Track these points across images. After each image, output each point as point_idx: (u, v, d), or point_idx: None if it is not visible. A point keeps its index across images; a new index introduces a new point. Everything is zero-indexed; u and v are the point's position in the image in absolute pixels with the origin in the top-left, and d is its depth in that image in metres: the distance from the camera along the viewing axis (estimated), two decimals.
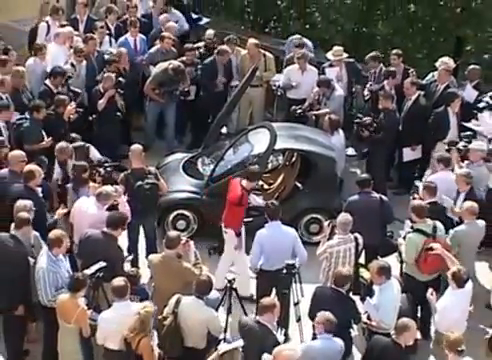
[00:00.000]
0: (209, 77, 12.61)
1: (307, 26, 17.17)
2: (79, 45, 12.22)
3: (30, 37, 13.09)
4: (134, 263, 9.47)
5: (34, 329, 8.70)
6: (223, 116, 11.74)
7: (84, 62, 12.13)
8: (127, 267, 8.71)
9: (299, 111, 12.14)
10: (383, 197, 9.69)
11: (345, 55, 12.80)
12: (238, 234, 9.46)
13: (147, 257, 9.03)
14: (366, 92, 12.53)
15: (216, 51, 12.70)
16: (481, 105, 11.36)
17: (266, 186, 11.22)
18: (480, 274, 9.87)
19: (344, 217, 8.88)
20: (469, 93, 11.81)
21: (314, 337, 7.84)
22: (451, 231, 9.14)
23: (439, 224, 8.96)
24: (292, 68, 12.72)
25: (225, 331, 8.10)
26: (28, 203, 8.52)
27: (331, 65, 12.72)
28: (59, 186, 9.76)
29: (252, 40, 12.99)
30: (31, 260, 8.28)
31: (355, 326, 8.45)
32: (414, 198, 9.57)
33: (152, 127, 12.78)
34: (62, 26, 12.78)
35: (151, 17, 13.95)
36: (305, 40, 13.47)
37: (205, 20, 15.49)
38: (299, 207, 10.65)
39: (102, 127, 11.64)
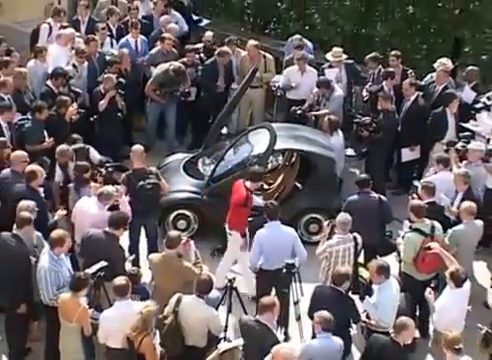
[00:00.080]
0: (210, 78, 12.66)
1: (307, 27, 17.15)
2: (81, 46, 12.25)
3: (32, 38, 13.14)
4: (135, 263, 9.49)
5: (36, 328, 8.74)
6: (223, 117, 11.78)
7: (86, 63, 12.17)
8: (128, 266, 8.73)
9: (299, 112, 12.17)
10: (382, 197, 9.73)
11: (344, 56, 12.84)
12: (244, 235, 9.49)
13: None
14: (365, 93, 12.58)
15: (217, 52, 12.74)
16: (478, 106, 11.42)
17: (266, 186, 11.24)
18: (478, 273, 9.90)
19: (343, 217, 8.92)
20: (467, 94, 11.84)
21: (314, 336, 7.86)
22: (449, 231, 9.17)
23: (437, 224, 9.00)
24: (292, 69, 12.76)
25: (225, 330, 8.11)
26: (31, 204, 8.57)
27: (330, 66, 12.75)
28: (61, 188, 9.81)
29: (252, 41, 13.03)
30: (33, 259, 8.32)
31: (354, 325, 8.48)
32: (413, 198, 9.60)
33: (153, 128, 12.82)
34: (64, 27, 12.83)
35: (152, 18, 13.99)
36: (305, 41, 13.52)
37: (205, 21, 15.53)
38: (299, 207, 10.69)
39: (103, 128, 11.69)
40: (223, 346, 7.70)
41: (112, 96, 11.63)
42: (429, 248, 8.72)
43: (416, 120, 11.66)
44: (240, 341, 7.66)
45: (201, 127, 12.66)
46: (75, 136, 10.39)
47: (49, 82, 11.47)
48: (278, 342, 7.42)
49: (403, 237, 9.10)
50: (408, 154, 11.93)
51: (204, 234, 10.50)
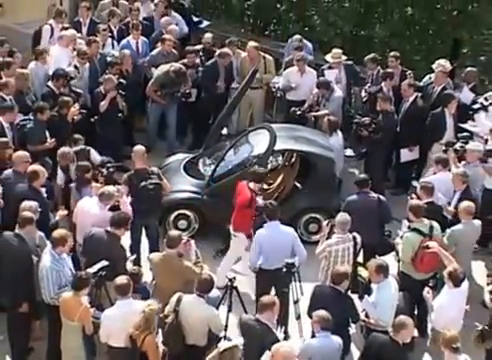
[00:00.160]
0: (210, 79, 12.69)
1: (306, 29, 17.18)
2: (82, 48, 12.28)
3: (34, 40, 13.17)
4: (136, 262, 9.52)
5: (38, 327, 8.76)
6: (224, 117, 11.82)
7: (87, 64, 12.21)
8: (129, 266, 8.76)
9: (298, 112, 12.20)
10: (381, 197, 9.76)
11: (344, 57, 12.86)
12: (249, 236, 9.43)
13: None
14: (364, 94, 12.59)
15: (217, 54, 12.77)
16: (476, 106, 11.46)
17: (266, 186, 11.26)
18: (476, 273, 9.91)
19: (343, 217, 8.96)
20: (466, 95, 11.87)
21: (313, 335, 7.86)
22: (448, 230, 9.21)
23: (436, 224, 9.03)
24: (291, 70, 12.79)
25: (226, 329, 8.13)
26: (34, 204, 8.60)
27: (330, 67, 12.78)
28: (63, 190, 9.85)
29: (252, 43, 13.05)
30: (35, 259, 8.35)
31: (353, 324, 8.48)
32: (412, 198, 9.61)
33: (154, 128, 12.85)
34: (65, 29, 12.85)
35: (153, 20, 14.02)
36: (305, 42, 13.55)
37: (205, 23, 15.54)
38: (298, 207, 10.73)
39: (104, 128, 11.73)
40: (223, 345, 7.71)
41: (113, 97, 11.66)
42: (427, 247, 8.76)
43: (415, 121, 11.70)
44: (240, 340, 7.68)
45: (201, 128, 12.70)
46: (77, 136, 10.42)
47: (50, 83, 11.50)
48: (278, 341, 7.43)
49: (402, 237, 9.14)
50: (407, 154, 11.96)
51: (205, 234, 10.54)
